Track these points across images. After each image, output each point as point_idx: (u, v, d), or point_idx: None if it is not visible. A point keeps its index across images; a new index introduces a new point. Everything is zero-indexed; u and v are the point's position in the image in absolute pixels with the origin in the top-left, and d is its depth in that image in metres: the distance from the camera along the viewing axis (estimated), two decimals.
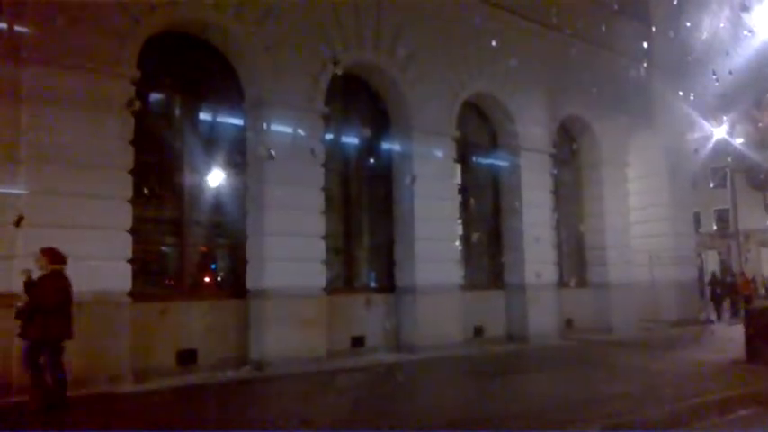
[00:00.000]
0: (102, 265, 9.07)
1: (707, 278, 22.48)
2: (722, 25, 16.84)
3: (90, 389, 8.46)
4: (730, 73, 16.06)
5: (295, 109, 11.35)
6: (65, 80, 9.02)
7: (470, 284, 14.40)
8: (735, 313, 20.67)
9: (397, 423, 6.91)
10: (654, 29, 18.25)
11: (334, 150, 12.73)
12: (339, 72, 11.82)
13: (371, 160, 13.51)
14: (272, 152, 10.61)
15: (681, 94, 17.46)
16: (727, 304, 22.10)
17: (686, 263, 19.36)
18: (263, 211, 10.94)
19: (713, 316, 20.61)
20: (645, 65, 17.44)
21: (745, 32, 16.49)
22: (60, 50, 9.00)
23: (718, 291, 22.11)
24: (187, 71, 11.09)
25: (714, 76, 16.06)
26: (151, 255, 10.78)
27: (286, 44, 11.36)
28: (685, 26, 17.59)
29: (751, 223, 35.49)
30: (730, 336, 14.25)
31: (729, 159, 20.37)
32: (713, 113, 19.42)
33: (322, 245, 11.53)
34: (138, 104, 9.48)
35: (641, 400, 7.84)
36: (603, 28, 16.38)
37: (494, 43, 14.17)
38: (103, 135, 9.24)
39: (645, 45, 17.48)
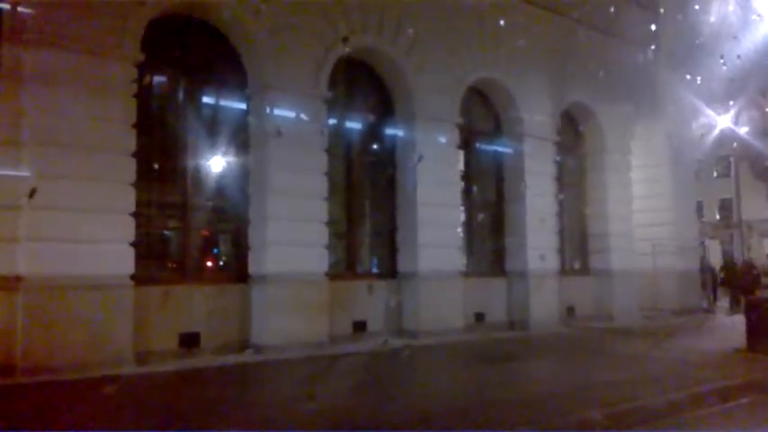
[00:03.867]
0: (104, 248, 9.12)
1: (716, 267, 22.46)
2: (731, 8, 16.66)
3: (92, 371, 8.51)
4: (738, 57, 15.91)
5: (298, 94, 11.30)
6: (67, 62, 8.98)
7: (472, 271, 14.43)
8: (735, 302, 20.64)
9: (396, 408, 6.93)
10: (661, 15, 18.08)
11: (338, 136, 12.68)
12: (348, 49, 11.74)
13: (374, 146, 13.49)
14: (280, 130, 10.60)
15: (687, 80, 17.33)
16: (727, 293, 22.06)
17: (688, 252, 19.34)
18: (265, 195, 10.93)
19: (707, 304, 20.54)
20: (651, 52, 17.31)
21: (754, 17, 16.31)
22: (63, 33, 8.96)
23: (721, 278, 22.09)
24: (190, 54, 11.02)
25: (722, 60, 15.91)
26: (154, 238, 10.80)
27: (289, 28, 11.29)
28: (692, 13, 17.42)
29: (754, 213, 35.40)
30: (731, 325, 14.29)
31: (735, 145, 20.30)
32: (718, 101, 19.30)
33: (324, 230, 11.53)
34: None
35: (642, 387, 7.85)
36: (610, 14, 16.24)
37: (499, 29, 14.08)
38: (106, 118, 9.23)
39: (652, 31, 17.32)
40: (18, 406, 7.16)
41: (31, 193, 8.45)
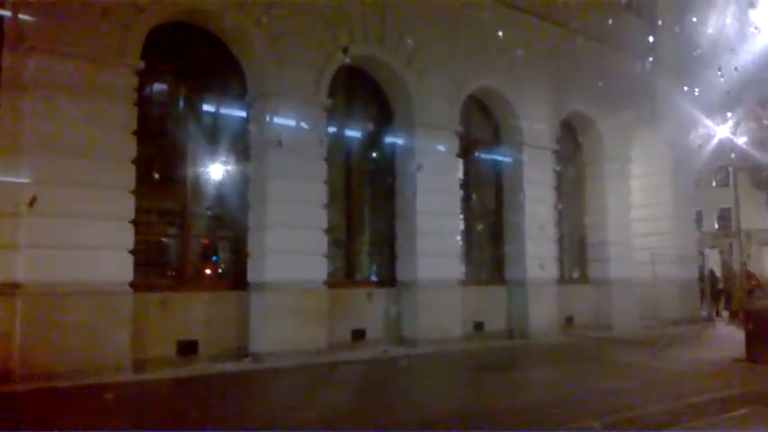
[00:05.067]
0: (103, 255, 9.11)
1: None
2: (728, 21, 16.75)
3: (90, 378, 8.50)
4: (736, 69, 15.97)
5: (298, 101, 11.33)
6: (69, 69, 9.00)
7: (471, 279, 14.42)
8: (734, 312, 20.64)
9: (395, 416, 6.92)
10: (659, 26, 18.16)
11: (337, 143, 12.70)
12: (348, 60, 11.78)
13: (374, 154, 13.52)
14: (281, 140, 10.61)
15: (685, 89, 17.38)
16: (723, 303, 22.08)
17: (687, 261, 19.32)
18: (264, 203, 10.94)
19: (707, 313, 20.51)
20: (650, 62, 17.37)
21: (752, 29, 16.39)
22: (65, 39, 8.98)
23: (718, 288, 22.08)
24: (191, 62, 11.06)
25: (719, 72, 15.98)
26: (153, 245, 10.78)
27: (290, 36, 11.33)
28: (691, 23, 17.49)
29: (753, 223, 35.43)
30: (731, 334, 14.28)
31: (733, 156, 20.31)
32: (717, 111, 19.34)
33: (324, 238, 11.53)
34: None
35: (641, 397, 7.85)
36: (609, 24, 16.32)
37: (499, 39, 14.15)
38: (107, 125, 9.24)
39: (650, 42, 17.40)
40: (15, 413, 7.14)
41: (31, 202, 8.45)
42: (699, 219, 27.22)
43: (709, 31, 17.30)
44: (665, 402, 7.60)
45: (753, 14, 16.63)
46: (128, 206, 9.45)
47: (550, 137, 15.80)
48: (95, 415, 7.04)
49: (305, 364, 10.28)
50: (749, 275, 21.31)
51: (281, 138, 10.73)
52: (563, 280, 16.08)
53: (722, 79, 16.04)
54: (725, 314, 21.27)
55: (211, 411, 7.26)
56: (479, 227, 15.28)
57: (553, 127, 15.95)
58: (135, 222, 9.56)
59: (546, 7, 15.45)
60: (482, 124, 15.48)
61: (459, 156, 14.07)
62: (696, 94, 17.45)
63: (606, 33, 16.59)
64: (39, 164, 8.76)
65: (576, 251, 17.40)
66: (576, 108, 16.66)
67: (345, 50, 11.74)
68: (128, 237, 9.42)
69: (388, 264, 13.30)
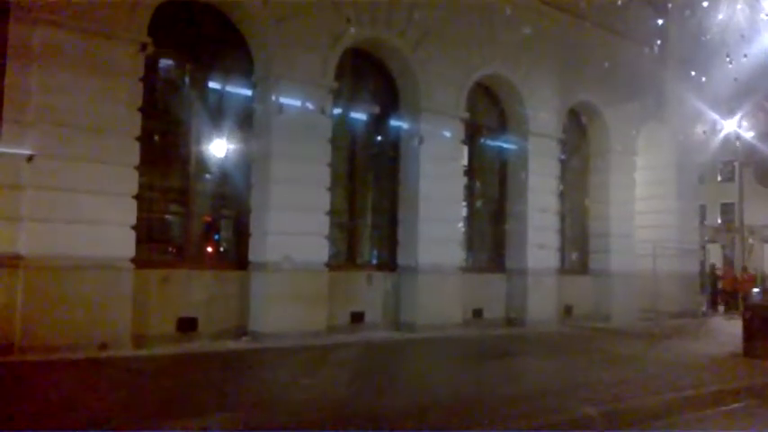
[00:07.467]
0: (105, 230, 9.16)
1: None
2: (739, 7, 16.52)
3: (90, 352, 8.56)
4: (745, 56, 15.78)
5: (304, 83, 11.27)
6: (76, 43, 8.98)
7: (472, 266, 14.45)
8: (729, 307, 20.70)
9: (391, 400, 6.95)
10: (670, 16, 17.99)
11: (342, 126, 12.67)
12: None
13: (379, 138, 13.50)
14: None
15: (694, 82, 17.21)
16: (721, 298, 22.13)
17: (689, 255, 19.29)
18: (268, 183, 10.93)
19: (706, 307, 20.55)
20: (659, 53, 17.22)
21: (763, 15, 16.16)
22: (72, 13, 8.95)
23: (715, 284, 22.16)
24: (198, 40, 11.00)
25: (728, 58, 15.79)
26: (155, 222, 10.82)
27: (297, 17, 11.25)
28: (702, 10, 17.27)
29: (756, 219, 35.37)
30: (729, 329, 14.30)
31: (738, 144, 20.15)
32: (725, 104, 19.18)
33: (326, 220, 11.54)
34: None
35: (636, 388, 7.87)
36: (619, 14, 16.16)
37: (508, 26, 14.06)
38: (112, 100, 9.23)
39: (660, 33, 17.25)
40: (13, 384, 7.20)
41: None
42: (702, 213, 27.17)
43: (720, 17, 17.06)
44: (662, 394, 7.63)
45: (764, 1, 16.38)
46: (131, 182, 9.47)
47: (557, 126, 15.73)
48: (90, 389, 7.09)
49: (303, 345, 10.32)
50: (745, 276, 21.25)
51: (282, 108, 10.69)
52: (563, 270, 16.08)
53: (731, 65, 15.84)
54: (721, 309, 21.32)
55: (207, 387, 7.31)
56: (482, 214, 15.28)
57: (559, 116, 15.88)
58: (138, 198, 9.58)
59: None
60: (488, 111, 15.40)
61: (463, 142, 14.04)
62: (705, 85, 17.29)
63: (615, 21, 16.43)
64: (43, 137, 8.76)
65: (578, 241, 17.38)
66: (584, 97, 16.55)
67: (349, 21, 11.61)
68: (130, 212, 9.45)
69: (390, 248, 13.32)
